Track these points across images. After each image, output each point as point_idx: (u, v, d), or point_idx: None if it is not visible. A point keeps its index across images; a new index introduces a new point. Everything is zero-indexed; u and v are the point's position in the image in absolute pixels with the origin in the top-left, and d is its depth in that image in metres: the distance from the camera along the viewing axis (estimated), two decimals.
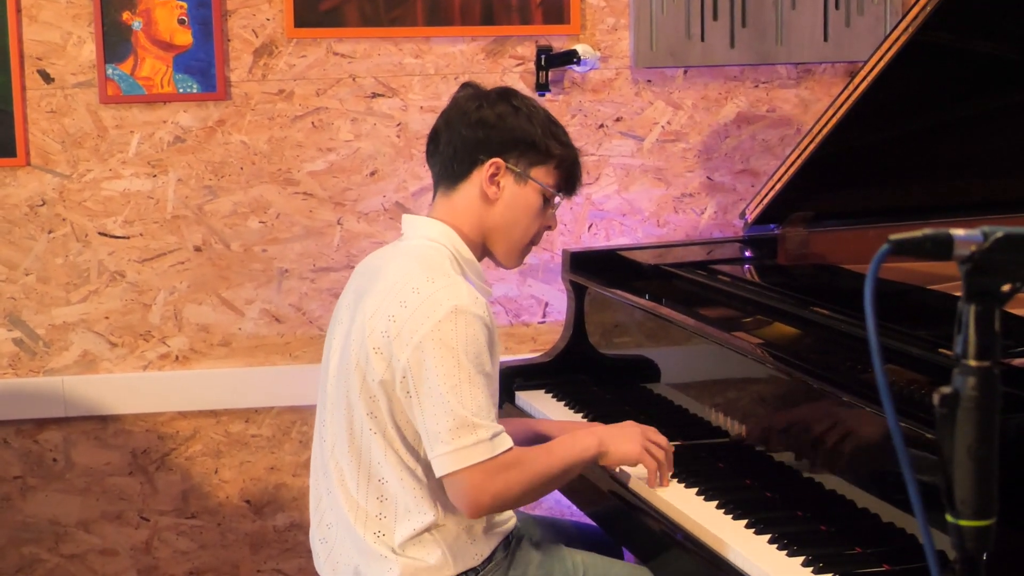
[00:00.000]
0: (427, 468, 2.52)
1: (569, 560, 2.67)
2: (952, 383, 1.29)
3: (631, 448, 2.63)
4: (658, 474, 2.63)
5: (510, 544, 2.63)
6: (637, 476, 2.68)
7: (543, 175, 2.65)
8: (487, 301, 2.53)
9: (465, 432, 2.41)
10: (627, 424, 2.71)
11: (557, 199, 2.69)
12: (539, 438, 2.82)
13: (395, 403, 2.49)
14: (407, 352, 2.44)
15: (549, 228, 2.73)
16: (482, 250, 2.68)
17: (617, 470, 2.72)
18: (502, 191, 2.62)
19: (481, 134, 2.62)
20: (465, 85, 2.75)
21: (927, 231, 1.25)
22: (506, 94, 2.68)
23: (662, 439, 2.67)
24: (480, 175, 2.62)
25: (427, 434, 2.45)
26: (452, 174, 2.65)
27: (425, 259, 2.56)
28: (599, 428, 2.72)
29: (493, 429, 2.44)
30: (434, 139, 2.69)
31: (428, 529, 2.53)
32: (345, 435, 2.57)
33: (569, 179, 2.70)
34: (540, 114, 2.67)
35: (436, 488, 2.53)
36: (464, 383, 2.42)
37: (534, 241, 2.71)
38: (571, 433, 2.70)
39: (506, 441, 2.46)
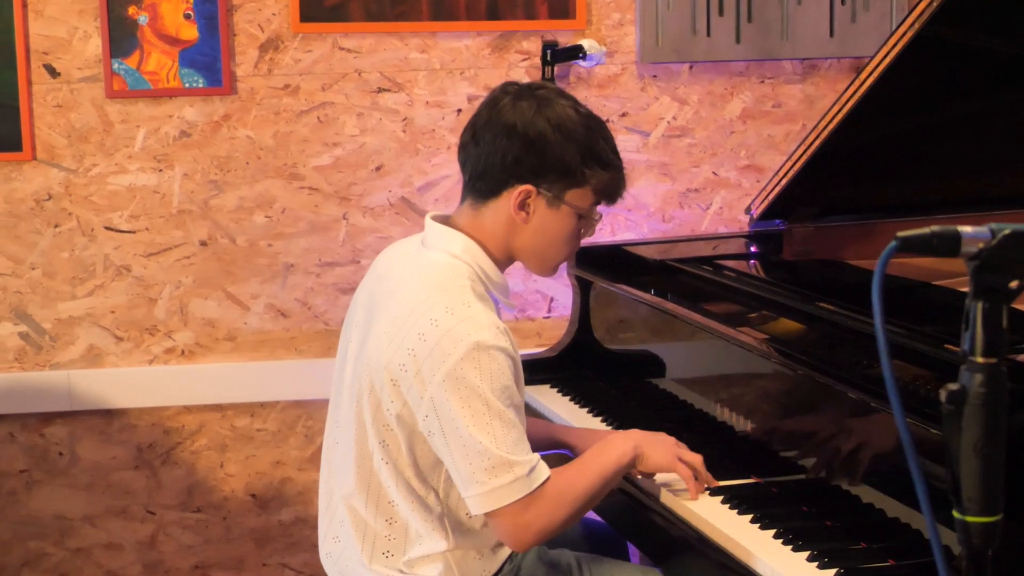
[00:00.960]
0: (437, 498, 2.46)
1: (575, 569, 2.62)
2: (959, 380, 1.29)
3: (665, 456, 2.54)
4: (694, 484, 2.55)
5: (516, 558, 2.57)
6: (662, 483, 2.62)
7: (579, 198, 2.48)
8: (507, 327, 2.41)
9: (501, 471, 2.33)
10: (659, 433, 2.63)
11: (598, 212, 2.55)
12: (558, 445, 2.79)
13: (413, 436, 2.42)
14: (429, 390, 2.34)
15: (587, 236, 2.60)
16: (508, 261, 2.55)
17: (638, 476, 2.65)
18: (532, 216, 2.47)
19: (512, 157, 2.44)
20: (506, 86, 2.54)
21: (934, 228, 1.25)
22: (544, 105, 2.46)
23: (691, 453, 2.59)
24: (509, 197, 2.46)
25: (459, 475, 2.36)
26: (479, 190, 2.49)
27: (445, 282, 2.43)
28: (635, 432, 2.62)
29: (530, 463, 2.36)
30: (464, 148, 2.52)
31: (439, 552, 2.47)
32: (355, 453, 2.50)
33: (610, 196, 2.54)
34: (580, 131, 2.45)
35: (447, 516, 2.48)
36: (495, 421, 2.32)
37: (571, 254, 2.60)
38: (604, 440, 2.58)
39: (543, 472, 2.37)
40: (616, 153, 2.53)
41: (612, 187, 2.53)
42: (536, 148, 2.44)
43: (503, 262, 2.53)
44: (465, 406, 2.31)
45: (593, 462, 2.51)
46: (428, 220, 2.55)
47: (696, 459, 2.57)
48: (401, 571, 2.49)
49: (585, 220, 2.53)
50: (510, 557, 2.56)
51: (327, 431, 2.66)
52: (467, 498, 2.37)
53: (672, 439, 2.60)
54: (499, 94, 2.51)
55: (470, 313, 2.36)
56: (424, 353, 2.35)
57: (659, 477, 2.62)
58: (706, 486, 2.57)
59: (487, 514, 2.37)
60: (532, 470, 2.35)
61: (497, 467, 2.32)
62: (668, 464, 2.55)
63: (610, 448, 2.54)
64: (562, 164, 2.45)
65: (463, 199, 2.54)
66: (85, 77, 3.60)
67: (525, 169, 2.44)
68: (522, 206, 2.46)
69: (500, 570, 2.54)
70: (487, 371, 2.32)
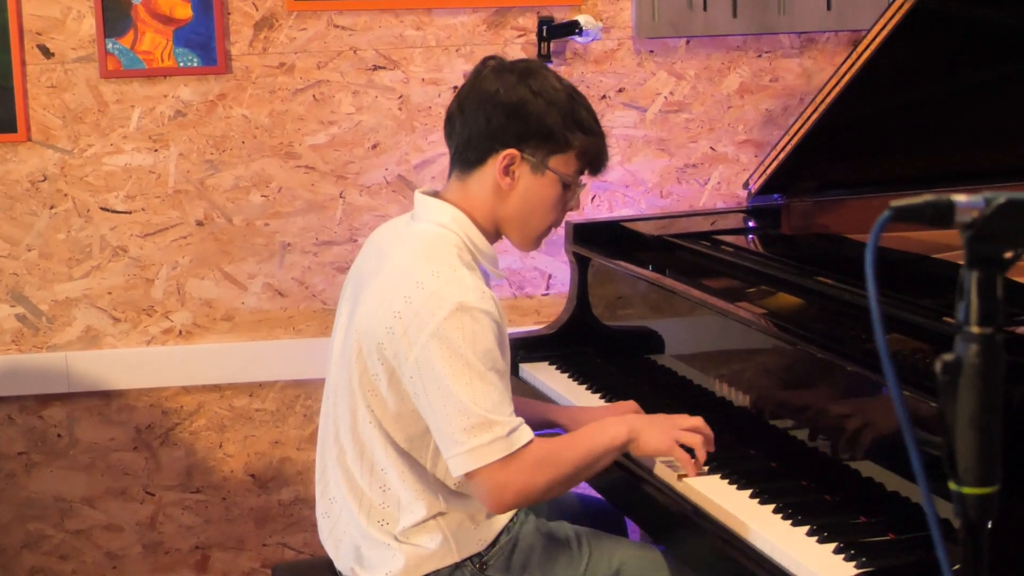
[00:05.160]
0: (428, 462, 2.50)
1: (574, 542, 2.63)
2: (954, 350, 1.28)
3: (662, 439, 2.53)
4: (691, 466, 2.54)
5: (514, 527, 2.61)
6: (661, 459, 2.62)
7: (562, 164, 2.54)
8: (494, 294, 2.45)
9: (481, 430, 2.36)
10: (659, 415, 2.64)
11: (582, 181, 2.60)
12: (551, 425, 2.79)
13: (400, 399, 2.46)
14: (414, 351, 2.38)
15: (573, 209, 2.65)
16: (496, 234, 2.60)
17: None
18: (517, 182, 2.52)
19: (496, 123, 2.50)
20: (487, 59, 2.62)
21: (928, 197, 1.24)
22: (526, 75, 2.54)
23: (697, 422, 2.57)
24: (494, 164, 2.52)
25: (441, 435, 2.40)
26: (466, 160, 2.55)
27: (432, 249, 2.48)
28: (630, 416, 2.63)
29: (510, 424, 2.38)
30: (451, 120, 2.59)
31: (432, 518, 2.51)
32: (348, 421, 2.55)
33: (593, 164, 2.59)
34: (562, 98, 2.53)
35: (437, 480, 2.51)
36: (476, 381, 2.35)
37: (554, 225, 2.62)
38: (600, 421, 2.60)
39: (525, 435, 2.40)
40: (597, 122, 2.59)
41: (594, 154, 2.58)
42: (519, 113, 2.50)
43: (491, 233, 2.58)
44: (447, 366, 2.35)
45: (585, 438, 2.53)
46: (417, 194, 2.61)
47: (696, 440, 2.54)
48: (396, 539, 2.53)
49: (569, 189, 2.57)
50: (507, 528, 2.58)
51: (323, 406, 2.70)
52: (448, 459, 2.40)
53: (671, 420, 2.59)
54: (481, 66, 2.60)
55: (455, 276, 2.41)
56: (410, 315, 2.39)
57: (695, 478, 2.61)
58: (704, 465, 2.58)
59: (467, 475, 2.40)
60: (512, 431, 2.38)
61: (476, 427, 2.35)
62: (666, 448, 2.54)
63: (604, 429, 2.55)
64: (544, 128, 2.51)
65: (451, 172, 2.60)
66: (79, 57, 3.59)
67: (509, 134, 2.50)
68: (507, 171, 2.52)
69: (497, 540, 2.57)
70: (470, 332, 2.36)
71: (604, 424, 2.57)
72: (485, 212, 2.55)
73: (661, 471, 2.59)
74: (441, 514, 2.51)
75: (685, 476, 2.54)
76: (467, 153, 2.55)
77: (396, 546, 2.51)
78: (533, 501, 2.50)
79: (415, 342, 2.38)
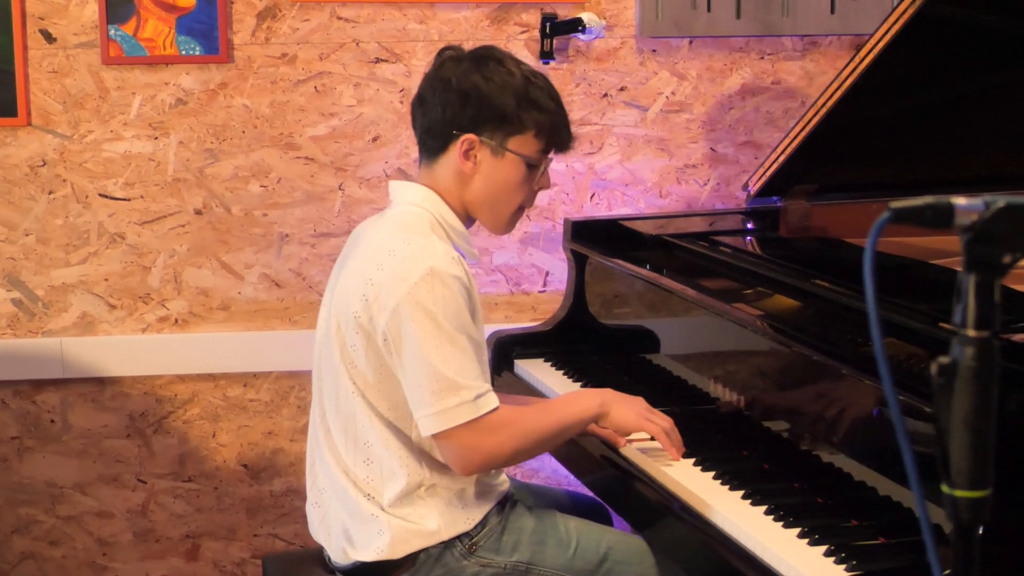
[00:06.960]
0: (413, 431, 2.53)
1: (563, 526, 2.66)
2: (950, 353, 1.28)
3: (631, 415, 2.62)
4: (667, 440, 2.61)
5: (504, 509, 2.64)
6: (638, 449, 2.67)
7: (521, 145, 2.58)
8: (466, 261, 2.52)
9: (448, 393, 2.41)
10: (633, 396, 2.71)
11: (549, 159, 2.65)
12: None
13: (380, 367, 2.50)
14: (386, 316, 2.44)
15: (543, 188, 2.69)
16: (468, 218, 2.66)
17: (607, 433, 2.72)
18: (478, 165, 2.58)
19: (451, 110, 2.56)
20: (444, 49, 2.67)
21: (928, 199, 1.24)
22: (480, 61, 2.59)
23: (664, 416, 2.66)
24: (455, 149, 2.58)
25: (411, 397, 2.46)
26: (429, 148, 2.62)
27: (404, 223, 2.56)
28: (605, 390, 2.71)
29: (477, 390, 2.44)
30: (414, 110, 2.66)
31: (416, 489, 2.53)
32: (333, 398, 2.59)
33: (556, 141, 2.64)
34: (516, 80, 2.58)
35: (422, 449, 2.54)
36: (445, 344, 2.41)
37: (525, 206, 2.67)
38: (575, 392, 2.71)
39: (491, 401, 2.46)
40: (555, 100, 2.63)
41: (554, 130, 2.62)
42: (471, 99, 2.56)
43: (463, 216, 2.64)
44: (418, 329, 2.41)
45: (556, 407, 2.64)
46: (391, 182, 2.70)
47: (667, 421, 2.64)
48: (384, 509, 2.55)
49: (535, 169, 2.62)
50: (496, 509, 2.61)
51: (312, 399, 2.72)
52: (418, 420, 2.47)
53: (644, 402, 2.68)
54: (440, 56, 2.65)
55: (426, 243, 2.48)
56: (382, 280, 2.46)
57: (647, 447, 2.66)
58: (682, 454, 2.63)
59: (436, 437, 2.46)
60: (479, 396, 2.44)
61: (444, 389, 2.41)
62: (635, 423, 2.63)
63: (577, 399, 2.66)
64: (498, 111, 2.56)
65: (419, 162, 2.67)
66: (81, 43, 3.58)
67: (465, 120, 2.56)
68: (467, 156, 2.57)
69: (486, 521, 2.58)
70: (440, 296, 2.42)
71: (577, 395, 2.69)
72: (453, 196, 2.61)
73: (655, 470, 2.59)
74: (426, 486, 2.54)
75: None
76: (429, 141, 2.61)
77: (384, 518, 2.53)
78: (500, 465, 2.58)
79: (386, 307, 2.44)
